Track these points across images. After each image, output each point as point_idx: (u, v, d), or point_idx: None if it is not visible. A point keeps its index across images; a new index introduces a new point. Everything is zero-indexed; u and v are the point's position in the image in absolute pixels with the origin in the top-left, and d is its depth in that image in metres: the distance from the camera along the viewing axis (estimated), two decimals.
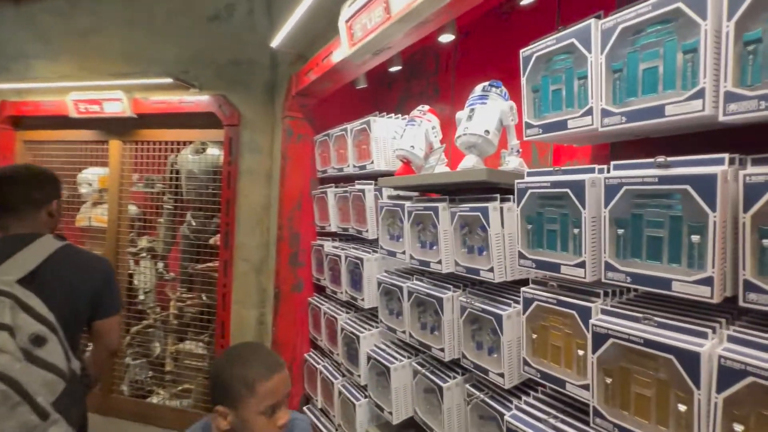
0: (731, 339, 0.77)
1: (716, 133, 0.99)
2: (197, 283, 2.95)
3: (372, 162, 2.00)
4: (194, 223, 2.94)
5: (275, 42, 2.12)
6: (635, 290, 1.06)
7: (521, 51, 1.17)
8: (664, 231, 0.86)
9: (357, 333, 1.98)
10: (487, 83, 1.42)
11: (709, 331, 0.80)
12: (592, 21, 0.98)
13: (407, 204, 1.64)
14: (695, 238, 0.81)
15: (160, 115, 2.79)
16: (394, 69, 2.08)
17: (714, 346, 0.78)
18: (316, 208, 2.56)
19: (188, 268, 2.99)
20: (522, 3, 1.35)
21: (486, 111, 1.37)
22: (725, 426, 0.74)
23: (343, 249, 2.21)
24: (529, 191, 1.12)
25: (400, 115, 2.11)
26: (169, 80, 2.65)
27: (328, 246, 2.36)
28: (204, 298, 2.95)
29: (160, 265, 3.10)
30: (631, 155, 1.33)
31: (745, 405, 0.72)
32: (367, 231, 2.03)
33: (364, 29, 1.53)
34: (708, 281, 0.79)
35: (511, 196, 1.32)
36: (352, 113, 2.61)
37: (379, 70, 2.51)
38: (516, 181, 1.16)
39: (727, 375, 0.74)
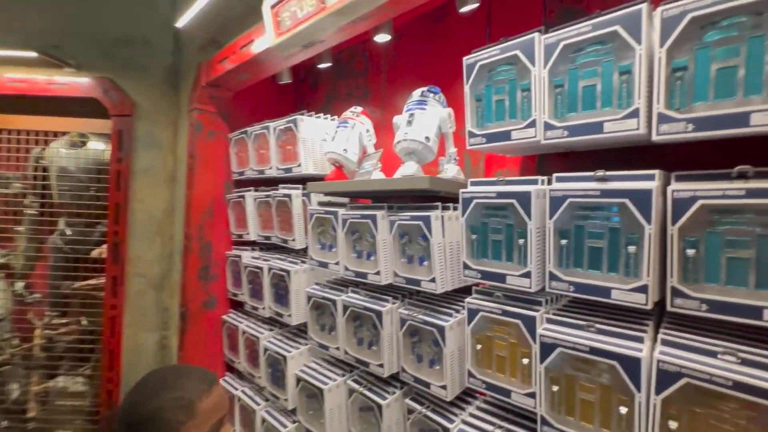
0: (665, 342, 0.83)
1: (638, 150, 1.09)
2: (75, 305, 2.41)
3: (299, 165, 1.84)
4: (69, 232, 2.40)
5: (181, 22, 1.82)
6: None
7: (465, 59, 1.15)
8: (604, 242, 0.91)
9: (283, 353, 1.80)
10: (425, 88, 1.39)
11: (645, 335, 0.86)
12: (535, 35, 1.00)
13: (341, 211, 1.53)
14: (632, 248, 0.86)
15: (19, 97, 2.22)
16: (323, 66, 1.94)
17: (651, 350, 0.84)
18: (232, 215, 2.28)
19: (61, 288, 2.44)
20: (461, 10, 1.35)
21: (426, 117, 1.33)
22: (662, 424, 0.80)
23: (265, 260, 1.99)
24: (475, 201, 1.11)
25: (328, 116, 1.98)
26: (32, 54, 2.12)
27: (247, 257, 2.12)
28: (84, 323, 2.43)
29: (20, 285, 2.47)
30: (556, 167, 1.42)
31: (679, 404, 0.78)
32: (293, 240, 1.86)
33: (293, 18, 1.38)
34: (643, 289, 0.84)
35: (451, 205, 1.31)
36: (272, 110, 2.40)
37: (305, 65, 2.35)
38: (461, 191, 1.14)
39: (665, 377, 0.79)
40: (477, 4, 1.33)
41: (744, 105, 0.75)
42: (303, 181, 1.78)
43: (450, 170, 1.38)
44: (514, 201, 1.01)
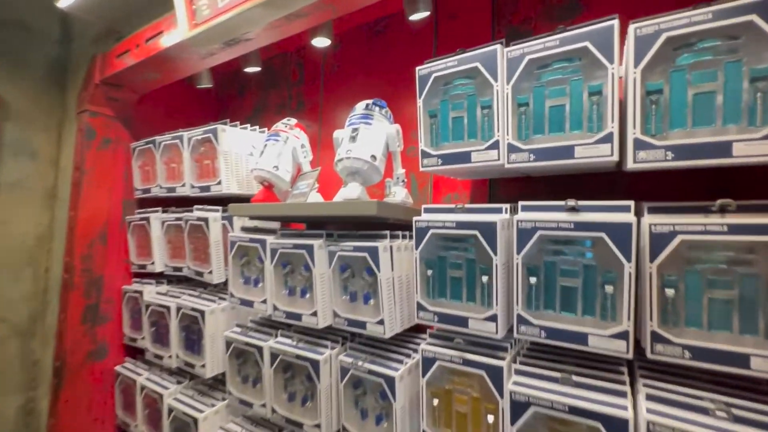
0: (650, 398, 0.73)
1: (595, 176, 1.04)
2: None
3: (219, 182, 1.55)
4: None
5: (64, 1, 1.46)
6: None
7: (418, 69, 1.02)
8: (578, 281, 0.80)
9: (194, 413, 1.45)
10: (370, 101, 1.23)
11: (627, 390, 0.75)
12: (498, 46, 0.90)
13: (270, 239, 1.28)
14: (609, 288, 0.76)
15: None
16: (250, 70, 1.70)
17: (634, 407, 0.73)
18: (133, 240, 1.88)
19: None
20: (411, 18, 1.22)
21: (371, 133, 1.17)
22: None
23: (174, 297, 1.64)
24: (431, 231, 0.95)
25: (256, 127, 1.73)
26: None
27: (151, 292, 1.73)
28: None
29: None
30: (509, 192, 1.35)
31: None
32: (210, 272, 1.54)
33: (213, 7, 1.14)
34: (624, 335, 0.74)
35: (400, 233, 1.14)
36: (189, 118, 2.07)
37: (230, 68, 2.08)
38: (415, 218, 0.98)
39: None
40: (427, 13, 1.22)
41: (722, 134, 0.70)
42: (223, 202, 1.50)
43: (398, 193, 1.22)
44: (476, 232, 0.87)
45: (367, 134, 1.16)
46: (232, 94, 2.21)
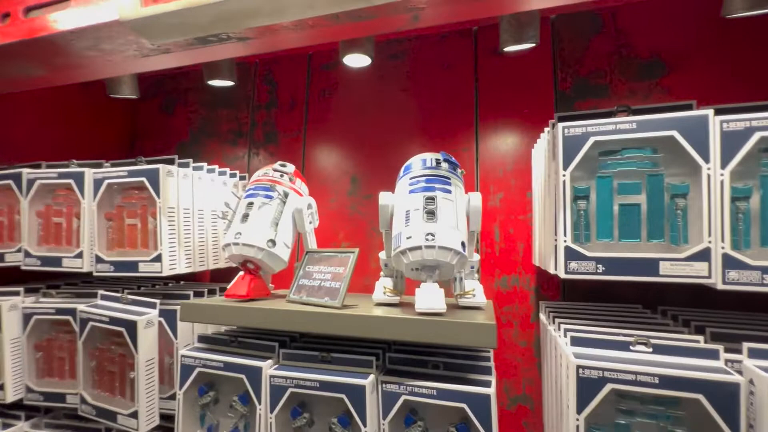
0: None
1: None
2: None
3: (157, 257, 0.95)
4: None
5: None
6: None
7: (563, 126, 0.68)
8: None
9: None
10: (437, 156, 0.83)
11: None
12: (709, 113, 0.61)
13: (269, 368, 0.76)
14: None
15: None
16: (217, 83, 1.15)
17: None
18: None
19: None
20: (506, 49, 0.89)
21: (455, 206, 0.77)
22: None
23: None
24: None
25: (203, 165, 1.16)
26: None
27: None
28: None
29: None
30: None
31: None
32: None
33: None
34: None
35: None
36: (83, 142, 1.36)
37: (154, 76, 1.46)
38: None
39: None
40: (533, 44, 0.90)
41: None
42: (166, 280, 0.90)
43: (478, 292, 0.84)
44: None
45: (448, 209, 0.76)
46: (153, 110, 1.55)
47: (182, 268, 0.98)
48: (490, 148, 1.15)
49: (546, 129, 0.82)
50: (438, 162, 0.83)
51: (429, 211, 0.76)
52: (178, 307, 0.91)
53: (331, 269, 0.84)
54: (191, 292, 1.01)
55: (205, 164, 1.11)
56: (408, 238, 0.74)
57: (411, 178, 0.82)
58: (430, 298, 0.72)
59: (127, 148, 1.52)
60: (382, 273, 0.90)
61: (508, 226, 1.11)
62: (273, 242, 0.88)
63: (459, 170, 0.84)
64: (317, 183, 1.28)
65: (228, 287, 0.89)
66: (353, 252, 0.83)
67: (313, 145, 1.32)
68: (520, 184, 1.11)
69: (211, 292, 1.08)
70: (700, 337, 0.62)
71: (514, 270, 1.09)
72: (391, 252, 0.88)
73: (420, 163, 0.83)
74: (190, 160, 1.03)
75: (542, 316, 0.94)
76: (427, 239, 0.72)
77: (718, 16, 0.95)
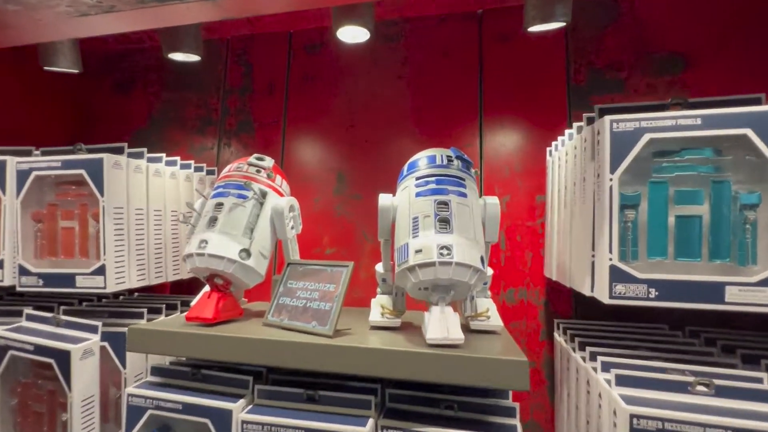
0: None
1: None
2: None
3: (100, 268, 0.77)
4: None
5: None
6: None
7: (610, 119, 0.56)
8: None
9: None
10: (447, 152, 0.70)
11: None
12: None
13: (240, 412, 0.61)
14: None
15: None
16: (180, 57, 0.97)
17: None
18: None
19: None
20: (531, 29, 0.76)
21: (470, 212, 0.64)
22: None
23: None
24: None
25: (162, 156, 0.99)
26: None
27: None
28: None
29: None
30: None
31: None
32: None
33: None
34: None
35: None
36: (19, 128, 1.14)
37: (104, 45, 1.25)
38: None
39: None
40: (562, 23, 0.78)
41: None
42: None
43: (493, 313, 0.72)
44: None
45: (464, 216, 0.63)
46: (106, 91, 1.33)
47: (133, 282, 0.80)
48: (496, 145, 1.03)
49: (578, 125, 0.70)
50: (450, 159, 0.70)
51: (442, 219, 0.62)
52: (127, 329, 0.74)
53: (319, 286, 0.69)
54: (145, 310, 0.83)
55: (163, 155, 0.93)
56: (417, 251, 0.60)
57: (418, 179, 0.68)
58: (444, 326, 0.58)
59: (71, 135, 1.30)
60: (378, 290, 0.77)
61: (515, 233, 0.99)
62: (247, 252, 0.72)
63: (473, 170, 0.71)
64: (298, 180, 1.12)
65: (190, 306, 0.73)
66: (347, 266, 0.69)
67: (295, 136, 1.16)
68: (530, 186, 1.00)
69: (171, 308, 0.90)
70: (763, 375, 0.52)
71: (521, 282, 0.98)
72: (390, 266, 0.75)
73: (428, 160, 0.70)
74: (144, 150, 0.85)
75: (558, 337, 0.83)
76: (441, 254, 0.59)
77: (741, 10, 0.86)
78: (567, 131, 0.78)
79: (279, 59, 1.19)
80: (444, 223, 0.62)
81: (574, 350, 0.71)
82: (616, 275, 0.54)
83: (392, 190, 0.72)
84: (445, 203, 0.64)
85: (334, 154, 1.13)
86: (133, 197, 0.81)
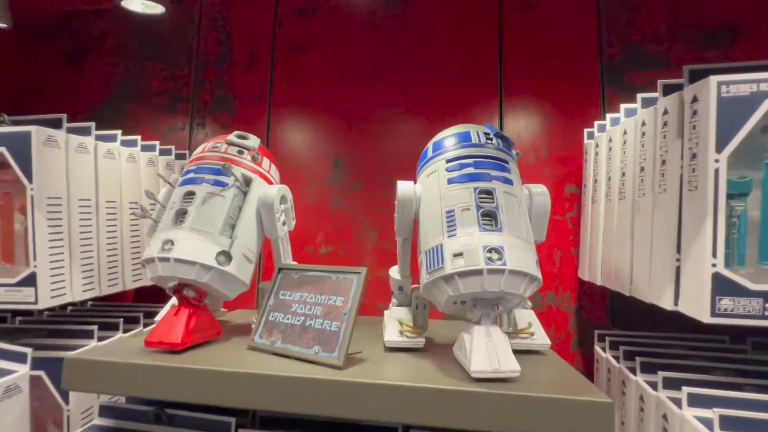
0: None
1: None
2: None
3: (28, 277, 0.59)
4: None
5: None
6: None
7: (717, 80, 0.42)
8: None
9: None
10: (482, 128, 0.56)
11: None
12: None
13: None
14: None
15: None
16: (136, 8, 0.78)
17: None
18: None
19: None
20: None
21: (517, 203, 0.50)
22: None
23: None
24: None
25: (118, 133, 0.80)
26: None
27: None
28: None
29: None
30: None
31: None
32: None
33: None
34: None
35: None
36: None
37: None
38: None
39: None
40: None
41: None
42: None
43: (537, 333, 0.58)
44: None
45: (512, 209, 0.49)
46: (53, 60, 1.12)
47: (77, 294, 0.63)
48: (519, 126, 0.90)
49: (643, 96, 0.57)
50: (488, 137, 0.55)
51: (487, 212, 0.48)
52: (64, 360, 0.57)
53: (321, 299, 0.54)
54: (95, 327, 0.66)
55: (118, 132, 0.74)
56: (456, 255, 0.46)
57: (449, 161, 0.53)
58: (493, 354, 0.44)
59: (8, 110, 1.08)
60: (393, 300, 0.62)
61: None
62: (227, 256, 0.56)
63: (514, 151, 0.57)
64: (287, 167, 0.95)
65: (154, 323, 0.56)
66: (358, 273, 0.53)
67: (282, 116, 0.99)
68: (558, 175, 0.87)
69: (131, 322, 0.73)
70: None
71: (548, 285, 0.85)
72: (408, 271, 0.60)
73: (460, 137, 0.55)
74: (92, 125, 0.66)
75: (602, 352, 0.71)
76: (490, 259, 0.44)
77: None
78: (622, 106, 0.65)
79: (263, 25, 1.02)
80: (489, 218, 0.48)
81: (633, 372, 0.59)
82: (722, 286, 0.41)
83: (398, 178, 0.57)
84: (489, 192, 0.49)
85: (330, 137, 0.97)
86: (76, 185, 0.63)
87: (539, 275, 0.47)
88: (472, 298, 0.47)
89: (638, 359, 0.58)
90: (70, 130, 0.63)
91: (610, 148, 0.66)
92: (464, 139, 0.55)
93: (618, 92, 0.86)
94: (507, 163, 0.53)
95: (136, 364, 0.49)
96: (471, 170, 0.51)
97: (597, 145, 0.71)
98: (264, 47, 1.01)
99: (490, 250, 0.45)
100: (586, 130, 0.79)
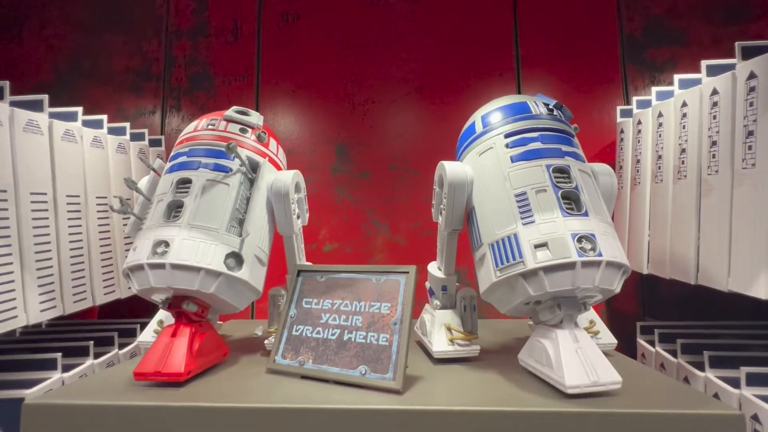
0: None
1: None
2: None
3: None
4: None
5: None
6: None
7: None
8: None
9: None
10: (536, 98, 0.48)
11: None
12: None
13: None
14: None
15: None
16: None
17: None
18: None
19: None
20: None
21: (592, 184, 0.43)
22: None
23: None
24: None
25: (79, 110, 0.66)
26: None
27: None
28: None
29: None
30: None
31: None
32: None
33: None
34: None
35: None
36: None
37: None
38: None
39: None
40: None
41: None
42: None
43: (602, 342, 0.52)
44: None
45: (590, 188, 0.42)
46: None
47: (33, 315, 0.48)
48: None
49: (708, 63, 0.51)
50: (548, 108, 0.47)
51: (567, 194, 0.40)
52: (22, 406, 0.43)
53: (361, 306, 0.44)
54: (58, 355, 0.52)
55: (79, 110, 0.60)
56: (538, 246, 0.38)
57: (508, 135, 0.45)
58: (589, 364, 0.37)
59: None
60: (435, 303, 0.53)
61: None
62: (237, 258, 0.44)
63: (573, 125, 0.50)
64: None
65: (133, 345, 0.44)
66: (406, 272, 0.44)
67: (273, 96, 0.87)
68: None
69: (103, 344, 0.59)
70: None
71: None
72: (452, 269, 0.51)
73: (517, 108, 0.47)
74: (44, 97, 0.52)
75: (647, 344, 0.66)
76: (582, 250, 0.37)
77: None
78: (676, 77, 0.59)
79: None
80: (569, 200, 0.40)
81: (698, 367, 0.53)
82: None
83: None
84: (564, 171, 0.42)
85: (331, 120, 0.86)
86: (23, 174, 0.49)
87: (624, 263, 0.39)
88: (554, 297, 0.39)
89: (706, 353, 0.52)
90: (14, 104, 0.48)
91: (660, 124, 0.60)
92: (522, 110, 0.47)
93: (640, 70, 0.81)
94: (573, 137, 0.46)
95: (125, 406, 0.37)
96: (538, 145, 0.43)
97: (639, 122, 0.65)
98: (248, 16, 0.88)
99: (580, 239, 0.37)
100: (619, 108, 0.74)
